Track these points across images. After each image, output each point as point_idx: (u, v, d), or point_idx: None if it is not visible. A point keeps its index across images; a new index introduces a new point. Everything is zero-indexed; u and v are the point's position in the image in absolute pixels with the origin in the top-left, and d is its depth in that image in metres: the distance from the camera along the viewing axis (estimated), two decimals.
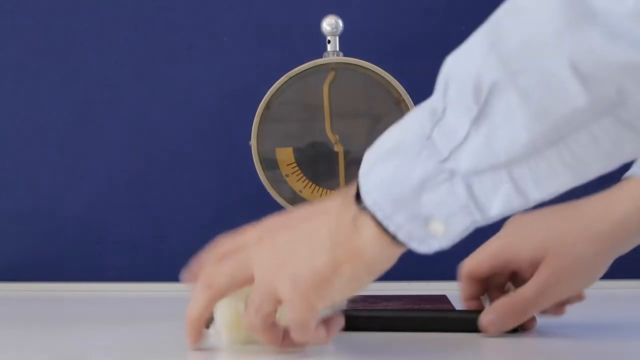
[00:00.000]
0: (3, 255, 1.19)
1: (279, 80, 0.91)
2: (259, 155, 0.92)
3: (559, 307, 0.80)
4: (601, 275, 0.76)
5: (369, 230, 0.61)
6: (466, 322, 0.77)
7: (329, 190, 0.92)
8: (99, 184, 1.18)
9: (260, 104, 0.91)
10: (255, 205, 1.16)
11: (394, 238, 0.60)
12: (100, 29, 1.18)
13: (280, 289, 0.64)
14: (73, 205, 1.19)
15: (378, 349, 0.75)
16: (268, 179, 0.92)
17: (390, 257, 0.62)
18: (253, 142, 0.91)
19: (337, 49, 0.93)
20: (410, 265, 0.77)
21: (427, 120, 0.59)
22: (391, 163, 0.60)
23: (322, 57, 0.92)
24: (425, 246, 0.60)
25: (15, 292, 1.15)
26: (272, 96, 0.91)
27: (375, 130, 0.92)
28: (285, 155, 0.92)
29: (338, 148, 0.92)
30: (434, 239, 0.59)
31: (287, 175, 0.92)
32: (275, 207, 0.92)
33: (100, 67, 1.18)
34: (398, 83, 0.91)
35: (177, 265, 1.18)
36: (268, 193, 0.92)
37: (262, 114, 0.91)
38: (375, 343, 0.76)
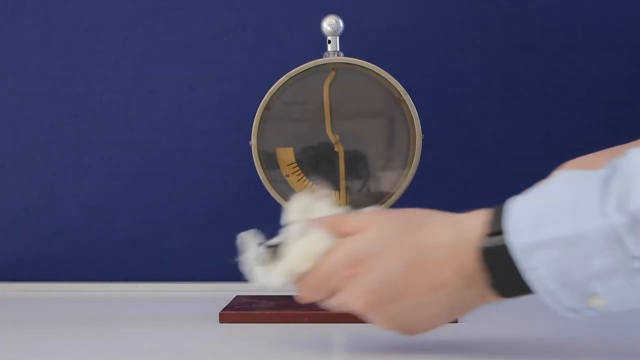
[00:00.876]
0: (3, 255, 1.19)
1: (279, 80, 0.91)
2: (259, 155, 0.92)
3: None
4: None
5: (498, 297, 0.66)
6: None
7: (329, 190, 0.92)
8: (98, 183, 1.18)
9: (261, 104, 0.91)
10: (255, 205, 1.16)
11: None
12: (100, 29, 1.18)
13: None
14: (73, 205, 1.18)
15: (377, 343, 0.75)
16: (268, 179, 0.92)
17: None
18: (253, 142, 0.91)
19: (338, 49, 0.93)
20: None
21: (617, 221, 0.60)
22: (564, 250, 0.61)
23: (322, 57, 0.92)
24: (577, 314, 0.64)
25: (15, 292, 1.15)
26: (272, 96, 0.91)
27: (375, 130, 0.92)
28: (285, 155, 0.92)
29: (338, 148, 0.92)
30: (589, 310, 0.63)
31: (287, 175, 0.92)
32: (275, 207, 0.92)
33: (100, 67, 1.18)
34: (398, 83, 0.91)
35: (177, 265, 1.19)
36: (268, 193, 0.92)
37: (262, 114, 0.91)
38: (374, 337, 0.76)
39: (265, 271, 0.72)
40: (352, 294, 0.68)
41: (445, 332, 0.79)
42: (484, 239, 0.65)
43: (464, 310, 0.68)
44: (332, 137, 0.92)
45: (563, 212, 0.62)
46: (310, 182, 0.92)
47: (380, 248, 0.67)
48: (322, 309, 0.89)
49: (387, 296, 0.67)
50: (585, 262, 0.61)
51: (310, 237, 0.70)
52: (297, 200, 0.76)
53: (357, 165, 0.92)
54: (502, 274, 0.64)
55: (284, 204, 0.91)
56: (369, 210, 0.73)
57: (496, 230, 0.64)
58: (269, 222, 1.16)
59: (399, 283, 0.67)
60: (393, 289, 0.67)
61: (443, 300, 0.67)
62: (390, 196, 0.91)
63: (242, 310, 0.90)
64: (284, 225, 0.75)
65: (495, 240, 0.64)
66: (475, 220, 0.66)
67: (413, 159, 0.91)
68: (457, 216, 0.68)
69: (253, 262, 0.73)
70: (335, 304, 0.70)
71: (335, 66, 0.92)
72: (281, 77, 0.91)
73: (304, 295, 0.71)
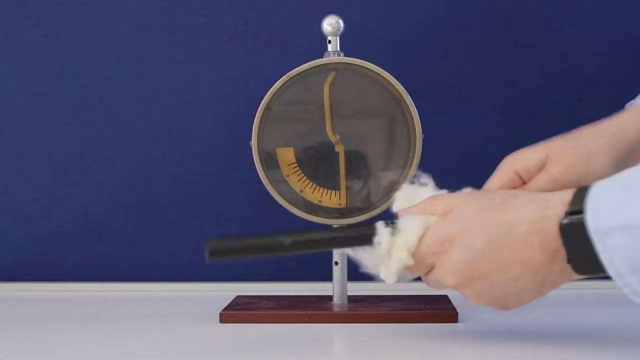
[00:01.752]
0: (3, 255, 1.19)
1: (280, 80, 0.91)
2: (259, 155, 0.91)
3: None
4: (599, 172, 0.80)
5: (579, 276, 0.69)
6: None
7: (329, 191, 0.92)
8: (99, 184, 1.18)
9: (261, 104, 0.91)
10: (255, 205, 1.16)
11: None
12: (100, 29, 1.18)
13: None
14: (73, 205, 1.18)
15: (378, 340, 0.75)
16: (269, 179, 0.92)
17: None
18: (254, 142, 0.91)
19: (338, 49, 0.93)
20: None
21: None
22: (637, 236, 0.64)
23: (322, 57, 0.92)
24: None
25: (15, 292, 1.15)
26: (272, 96, 0.91)
27: (375, 130, 0.92)
28: (286, 155, 0.92)
29: (339, 148, 0.92)
30: None
31: (287, 175, 0.92)
32: (275, 207, 0.92)
33: (100, 67, 1.18)
34: (398, 83, 0.91)
35: (177, 265, 1.19)
36: (268, 193, 0.92)
37: (262, 114, 0.91)
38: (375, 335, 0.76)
39: (385, 272, 0.76)
40: (444, 271, 0.72)
41: (446, 332, 0.79)
42: (566, 217, 0.67)
43: (551, 285, 0.70)
44: (333, 137, 0.92)
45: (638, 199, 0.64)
46: (311, 182, 0.92)
47: (467, 226, 0.71)
48: (322, 309, 0.89)
49: (475, 272, 0.70)
50: None
51: (403, 229, 0.75)
52: (403, 189, 0.81)
53: (358, 165, 0.92)
54: (579, 251, 0.67)
55: (285, 204, 0.92)
56: (462, 192, 0.77)
57: (577, 209, 0.66)
58: (269, 222, 1.17)
59: (485, 259, 0.70)
60: (481, 265, 0.70)
61: (529, 274, 0.69)
62: (391, 196, 0.91)
63: (243, 310, 0.90)
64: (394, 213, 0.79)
65: (575, 219, 0.66)
66: (559, 198, 0.69)
67: (413, 159, 0.91)
68: (542, 194, 0.71)
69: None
70: (431, 281, 0.74)
71: (336, 66, 0.91)
72: (281, 77, 0.91)
73: (410, 275, 0.75)
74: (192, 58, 1.18)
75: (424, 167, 0.92)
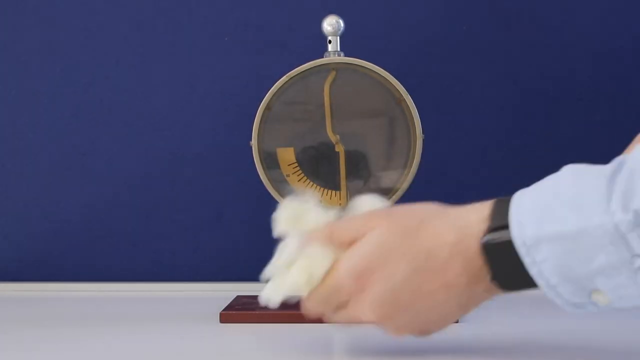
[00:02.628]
0: (3, 255, 1.19)
1: (280, 80, 0.91)
2: (259, 155, 0.91)
3: None
4: None
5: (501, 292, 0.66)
6: None
7: (329, 191, 0.92)
8: (99, 183, 1.18)
9: (261, 104, 0.91)
10: (255, 205, 1.16)
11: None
12: (100, 29, 1.18)
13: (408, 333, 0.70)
14: (73, 205, 1.18)
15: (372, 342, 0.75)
16: (269, 179, 0.92)
17: None
18: (254, 142, 0.91)
19: (338, 49, 0.93)
20: None
21: (621, 219, 0.60)
22: (567, 246, 0.61)
23: (323, 57, 0.92)
24: (579, 309, 0.64)
25: (15, 292, 1.14)
26: (273, 96, 0.91)
27: (376, 130, 0.92)
28: (286, 155, 0.92)
29: (339, 148, 0.92)
30: (592, 305, 0.64)
31: (288, 175, 0.92)
32: (275, 207, 0.92)
33: (100, 67, 1.18)
34: (399, 83, 0.91)
35: (177, 265, 1.19)
36: (269, 193, 0.92)
37: (263, 114, 0.91)
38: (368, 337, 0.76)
39: (272, 288, 0.72)
40: (362, 307, 0.68)
41: (446, 332, 0.79)
42: (487, 234, 0.65)
43: (474, 306, 0.68)
44: (333, 137, 0.92)
45: (567, 208, 0.62)
46: (311, 182, 0.92)
47: (383, 257, 0.67)
48: None
49: (398, 304, 0.67)
50: (588, 259, 0.61)
51: (309, 256, 0.69)
52: (285, 208, 0.74)
53: (358, 165, 0.92)
54: (504, 268, 0.64)
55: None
56: (361, 207, 0.73)
57: (499, 224, 0.64)
58: (269, 222, 1.17)
59: (408, 290, 0.67)
60: (403, 297, 0.67)
61: (453, 299, 0.67)
62: (391, 196, 0.91)
63: (243, 310, 0.90)
64: (277, 238, 0.74)
65: (498, 235, 0.64)
66: (478, 214, 0.66)
67: (413, 159, 0.91)
68: (458, 211, 0.68)
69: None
70: (344, 317, 0.70)
71: (336, 66, 0.91)
72: (282, 77, 0.91)
73: (311, 310, 0.71)
74: (192, 58, 1.17)
75: (424, 167, 0.92)
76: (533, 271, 0.63)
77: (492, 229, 0.65)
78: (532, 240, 0.62)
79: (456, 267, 0.66)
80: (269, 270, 0.72)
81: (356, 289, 0.67)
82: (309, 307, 0.71)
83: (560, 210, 0.62)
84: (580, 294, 0.63)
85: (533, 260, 0.62)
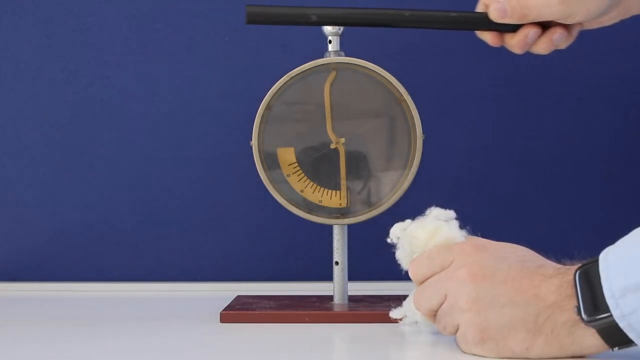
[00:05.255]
0: (3, 255, 1.19)
1: (280, 80, 0.91)
2: (260, 155, 0.91)
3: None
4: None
5: (591, 340, 0.65)
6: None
7: (330, 191, 0.92)
8: (99, 183, 1.18)
9: (262, 104, 0.91)
10: (256, 206, 1.16)
11: (613, 347, 0.64)
12: (100, 29, 1.18)
13: (462, 327, 0.69)
14: (73, 205, 1.18)
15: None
16: (269, 179, 0.92)
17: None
18: (254, 142, 0.91)
19: (339, 49, 0.93)
20: None
21: None
22: None
23: (323, 57, 0.92)
24: None
25: (15, 292, 1.14)
26: (273, 96, 0.91)
27: (376, 130, 0.92)
28: (286, 155, 0.92)
29: (339, 148, 0.92)
30: None
31: (288, 175, 0.92)
32: (276, 207, 0.92)
33: (100, 67, 1.18)
34: (399, 83, 0.91)
35: (178, 265, 1.19)
36: (269, 193, 0.92)
37: (263, 114, 0.91)
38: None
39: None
40: (462, 264, 0.70)
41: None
42: (580, 273, 0.65)
43: (544, 338, 0.66)
44: (333, 137, 0.92)
45: None
46: (311, 182, 0.92)
47: (499, 246, 0.71)
48: (322, 309, 0.89)
49: (492, 276, 0.68)
50: None
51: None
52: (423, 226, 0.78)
53: (358, 165, 0.92)
54: (590, 297, 0.64)
55: (285, 204, 0.92)
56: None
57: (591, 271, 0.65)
58: (269, 222, 1.17)
59: (506, 273, 0.68)
60: (500, 274, 0.68)
61: (533, 309, 0.66)
62: (391, 196, 0.91)
63: (243, 310, 0.90)
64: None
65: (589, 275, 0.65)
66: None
67: (414, 159, 0.91)
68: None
69: None
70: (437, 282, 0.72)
71: (336, 66, 0.91)
72: (282, 77, 0.91)
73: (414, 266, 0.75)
74: (192, 58, 1.17)
75: (424, 167, 0.92)
76: (623, 324, 0.63)
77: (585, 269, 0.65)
78: (620, 292, 0.62)
79: (552, 284, 0.66)
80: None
81: (466, 253, 0.71)
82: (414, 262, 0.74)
83: None
84: None
85: (622, 313, 0.62)
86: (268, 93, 0.91)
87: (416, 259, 0.75)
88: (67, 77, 1.18)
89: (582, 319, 0.64)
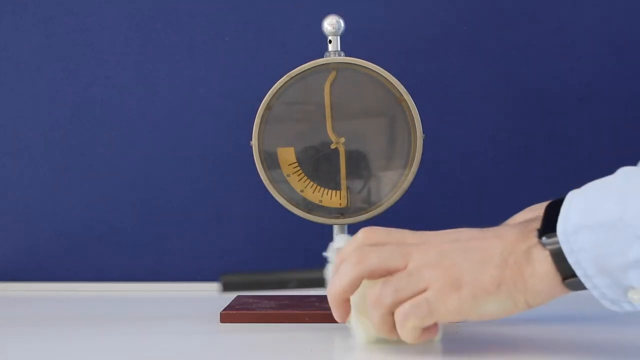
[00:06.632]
0: (3, 255, 1.19)
1: (280, 80, 0.91)
2: (260, 155, 0.91)
3: None
4: None
5: (544, 265, 0.65)
6: None
7: (330, 190, 0.92)
8: (99, 183, 1.18)
9: (262, 103, 0.91)
10: (256, 206, 1.16)
11: (564, 281, 0.65)
12: (100, 29, 1.18)
13: (433, 283, 0.67)
14: (73, 205, 1.18)
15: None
16: (269, 179, 0.92)
17: (552, 295, 0.66)
18: (254, 142, 0.91)
19: (339, 49, 0.93)
20: None
21: None
22: (605, 235, 0.62)
23: (323, 56, 0.92)
24: (616, 306, 0.65)
25: (15, 292, 1.14)
26: (273, 96, 0.91)
27: (376, 130, 0.92)
28: (286, 155, 0.92)
29: (339, 148, 0.92)
30: (628, 304, 0.64)
31: (288, 175, 0.92)
32: (276, 207, 0.92)
33: (100, 67, 1.18)
34: (399, 83, 0.91)
35: (178, 265, 1.19)
36: (269, 193, 0.92)
37: (263, 114, 0.91)
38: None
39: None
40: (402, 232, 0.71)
41: (446, 331, 0.79)
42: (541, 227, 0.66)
43: (512, 268, 0.66)
44: (334, 137, 0.92)
45: (613, 202, 0.62)
46: (311, 182, 0.92)
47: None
48: (322, 309, 0.89)
49: (454, 237, 0.69)
50: (624, 250, 0.61)
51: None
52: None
53: (358, 165, 0.92)
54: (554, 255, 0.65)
55: (285, 204, 0.92)
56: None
57: (553, 219, 0.65)
58: (269, 222, 1.17)
59: (467, 235, 0.69)
60: (462, 236, 0.69)
61: (497, 244, 0.67)
62: (392, 196, 0.91)
63: (243, 310, 0.90)
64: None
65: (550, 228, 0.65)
66: (535, 214, 0.69)
67: (414, 158, 0.91)
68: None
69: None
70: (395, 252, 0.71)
71: (337, 66, 0.91)
72: (282, 76, 0.91)
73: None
74: (192, 58, 1.17)
75: (424, 167, 0.92)
76: (571, 260, 0.63)
77: (545, 224, 0.66)
78: (573, 228, 0.63)
79: (514, 229, 0.67)
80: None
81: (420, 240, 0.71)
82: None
83: (606, 203, 0.62)
84: (615, 289, 0.63)
85: (571, 249, 0.63)
86: (268, 93, 0.91)
87: (370, 228, 0.74)
88: (67, 77, 1.18)
89: (539, 240, 0.65)
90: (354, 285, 0.71)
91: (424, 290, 0.68)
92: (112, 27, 1.18)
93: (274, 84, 0.91)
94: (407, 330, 0.69)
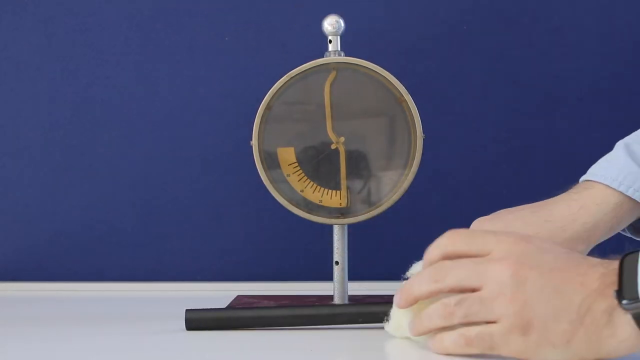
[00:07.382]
0: (3, 255, 1.19)
1: (280, 80, 0.91)
2: (260, 155, 0.91)
3: None
4: None
5: (627, 329, 0.63)
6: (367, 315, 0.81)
7: (330, 190, 0.92)
8: (99, 183, 1.18)
9: (262, 103, 0.91)
10: (256, 205, 1.16)
11: None
12: (100, 29, 1.18)
13: (503, 320, 0.66)
14: (73, 205, 1.18)
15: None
16: (269, 179, 0.92)
17: (629, 354, 0.64)
18: (254, 142, 0.91)
19: (339, 49, 0.93)
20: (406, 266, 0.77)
21: None
22: None
23: (323, 56, 0.92)
24: None
25: (15, 292, 1.14)
26: (273, 96, 0.91)
27: (376, 130, 0.92)
28: (286, 155, 0.92)
29: (339, 148, 0.92)
30: None
31: (288, 175, 0.92)
32: (276, 207, 0.92)
33: (100, 67, 1.18)
34: (399, 83, 0.91)
35: (178, 265, 1.19)
36: (269, 193, 0.92)
37: (263, 114, 0.91)
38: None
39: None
40: (501, 247, 0.68)
41: None
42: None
43: (588, 328, 0.64)
44: (334, 137, 0.92)
45: None
46: (311, 182, 0.92)
47: (542, 239, 0.70)
48: None
49: (538, 264, 0.66)
50: None
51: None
52: None
53: (358, 165, 0.92)
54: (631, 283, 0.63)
55: (286, 204, 0.92)
56: None
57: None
58: (269, 222, 1.17)
59: (552, 258, 0.67)
60: (546, 259, 0.66)
61: (578, 295, 0.64)
62: (392, 196, 0.91)
63: None
64: None
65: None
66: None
67: (414, 158, 0.91)
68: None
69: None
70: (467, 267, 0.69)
71: (337, 66, 0.91)
72: (282, 76, 0.91)
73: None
74: (192, 58, 1.18)
75: (424, 167, 0.92)
76: None
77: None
78: None
79: (596, 272, 0.65)
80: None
81: (508, 243, 0.68)
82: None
83: None
84: None
85: None
86: (268, 93, 0.91)
87: (454, 232, 0.71)
88: (67, 77, 1.18)
89: (620, 303, 0.62)
90: (428, 297, 0.71)
91: (493, 322, 0.67)
92: (112, 27, 1.18)
93: (274, 84, 0.91)
94: (459, 350, 0.69)
